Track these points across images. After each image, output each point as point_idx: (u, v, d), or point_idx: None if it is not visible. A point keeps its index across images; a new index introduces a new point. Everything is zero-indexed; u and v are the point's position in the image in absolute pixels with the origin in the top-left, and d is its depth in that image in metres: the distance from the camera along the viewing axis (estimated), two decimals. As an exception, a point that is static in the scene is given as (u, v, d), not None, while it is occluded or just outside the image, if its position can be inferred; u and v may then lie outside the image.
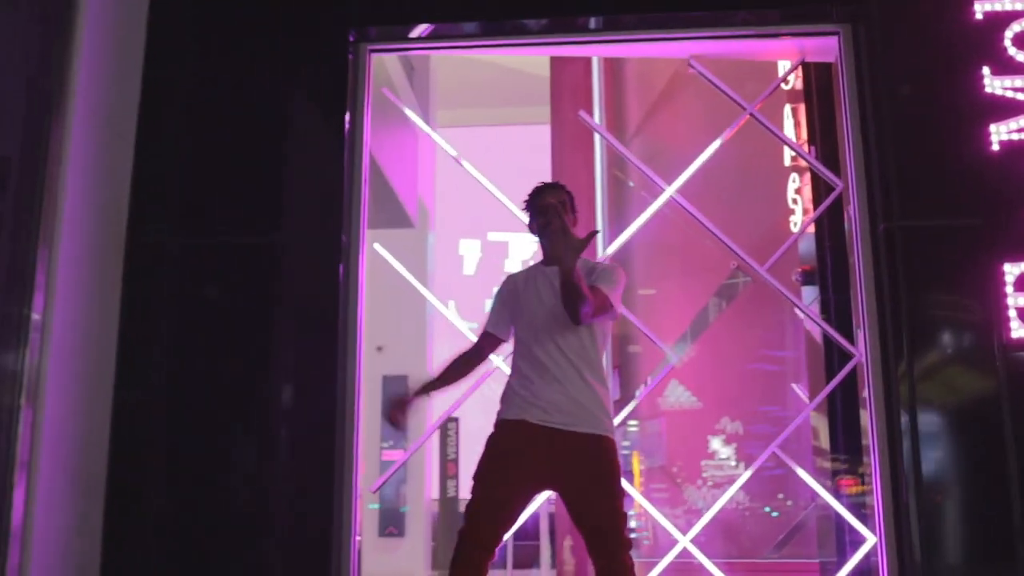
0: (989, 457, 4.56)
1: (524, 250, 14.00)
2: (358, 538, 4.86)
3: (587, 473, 3.42)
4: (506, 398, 3.59)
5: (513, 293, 3.74)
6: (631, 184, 8.69)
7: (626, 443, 9.90)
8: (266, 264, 5.02)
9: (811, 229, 6.10)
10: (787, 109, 7.33)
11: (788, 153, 7.35)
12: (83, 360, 4.62)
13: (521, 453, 3.44)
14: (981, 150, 4.79)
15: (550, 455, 3.41)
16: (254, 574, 4.74)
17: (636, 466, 10.28)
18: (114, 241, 4.89)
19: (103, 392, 4.75)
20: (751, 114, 5.48)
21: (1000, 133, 4.80)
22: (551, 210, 3.59)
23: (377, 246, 5.54)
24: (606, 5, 5.26)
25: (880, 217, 4.84)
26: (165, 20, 5.24)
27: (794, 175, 6.86)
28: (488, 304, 3.87)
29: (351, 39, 5.23)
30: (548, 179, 3.94)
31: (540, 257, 3.80)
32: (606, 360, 3.84)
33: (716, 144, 5.51)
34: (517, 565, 9.64)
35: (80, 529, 4.54)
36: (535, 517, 9.52)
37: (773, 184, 7.59)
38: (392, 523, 13.02)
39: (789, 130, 7.24)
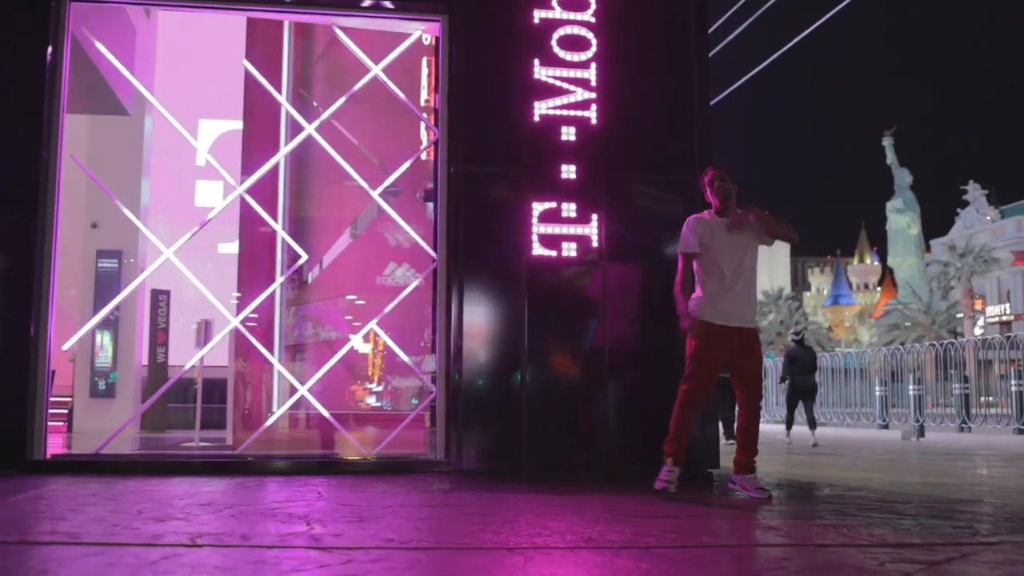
0: (513, 333, 6.61)
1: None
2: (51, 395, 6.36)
3: (749, 350, 5.47)
4: (703, 305, 5.44)
5: (705, 233, 5.49)
6: (315, 104, 10.08)
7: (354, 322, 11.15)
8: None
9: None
10: (424, 60, 9.05)
11: (423, 97, 9.10)
12: None
13: (719, 342, 5.38)
14: (527, 120, 6.72)
15: (731, 343, 5.40)
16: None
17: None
18: None
19: None
20: (377, 74, 7.18)
21: (541, 108, 6.75)
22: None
23: (73, 157, 6.79)
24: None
25: (452, 162, 6.70)
26: None
27: (425, 113, 8.55)
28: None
29: (54, -8, 6.50)
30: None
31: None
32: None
33: (342, 100, 7.16)
34: (204, 426, 10.54)
35: None
36: (221, 384, 10.54)
37: (414, 117, 9.30)
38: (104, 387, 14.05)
39: (426, 77, 9.01)
